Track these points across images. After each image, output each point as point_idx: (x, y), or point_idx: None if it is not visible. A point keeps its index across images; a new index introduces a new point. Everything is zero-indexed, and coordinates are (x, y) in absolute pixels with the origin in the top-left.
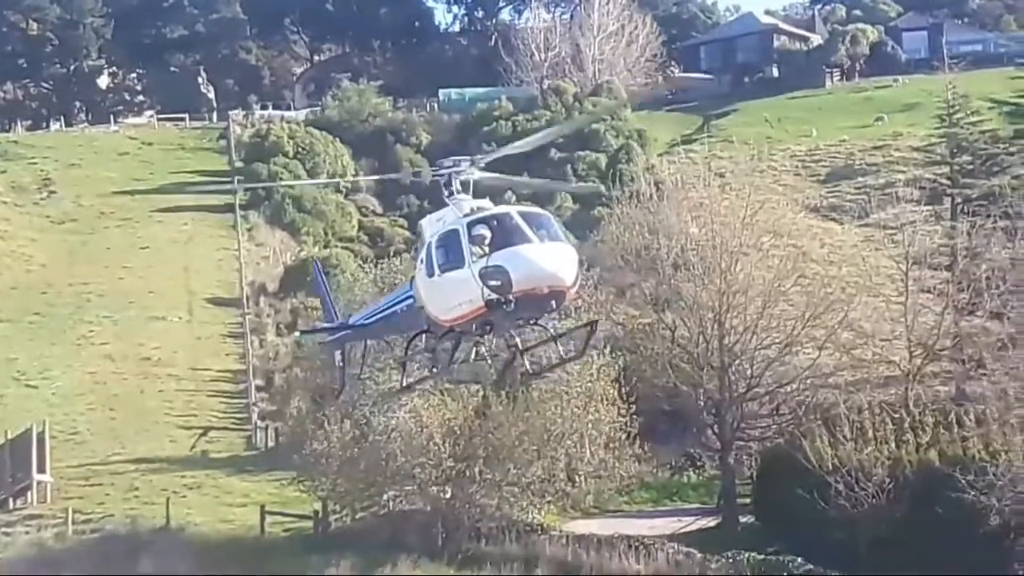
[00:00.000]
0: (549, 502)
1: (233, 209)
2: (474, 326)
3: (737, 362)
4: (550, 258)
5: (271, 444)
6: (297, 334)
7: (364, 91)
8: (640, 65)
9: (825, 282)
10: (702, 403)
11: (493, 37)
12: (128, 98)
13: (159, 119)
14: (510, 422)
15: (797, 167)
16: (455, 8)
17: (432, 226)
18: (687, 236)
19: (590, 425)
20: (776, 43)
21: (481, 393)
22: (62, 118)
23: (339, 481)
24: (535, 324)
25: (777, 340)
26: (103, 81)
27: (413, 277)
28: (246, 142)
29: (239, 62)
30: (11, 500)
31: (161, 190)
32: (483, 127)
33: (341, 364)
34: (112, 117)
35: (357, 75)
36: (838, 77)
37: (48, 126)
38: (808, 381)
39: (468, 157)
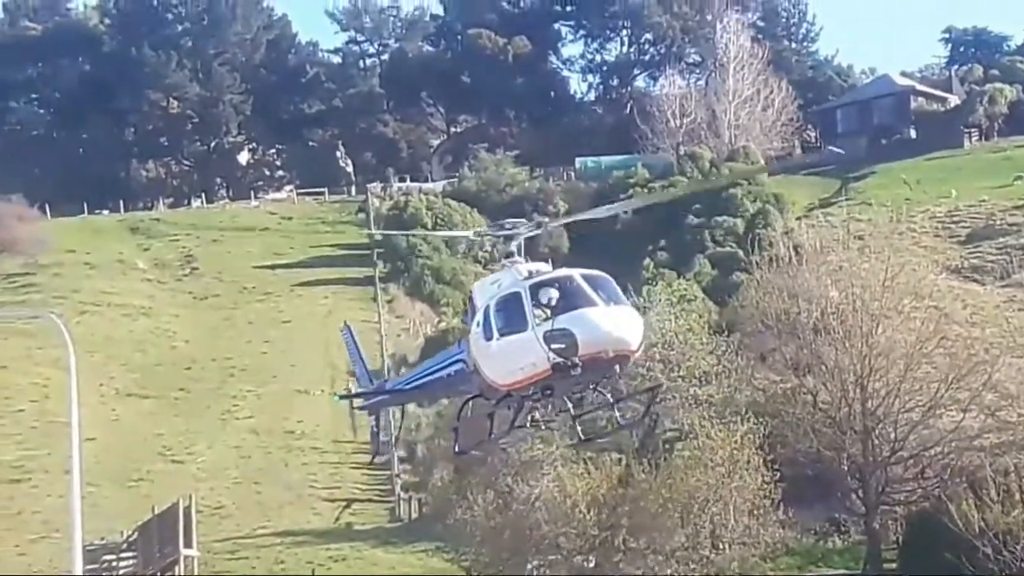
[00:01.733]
0: (694, 569)
1: (373, 282)
2: (532, 390)
3: (880, 426)
4: (616, 322)
5: (414, 515)
6: (335, 398)
7: (501, 161)
8: (776, 129)
9: (968, 344)
10: (845, 467)
11: (628, 105)
12: (268, 173)
13: (299, 194)
14: (654, 490)
15: (937, 228)
16: (590, 77)
17: (486, 290)
18: (827, 300)
19: (734, 492)
20: (913, 104)
21: (624, 461)
22: (203, 195)
23: (483, 551)
24: (595, 388)
25: (920, 403)
26: (243, 157)
27: (461, 340)
28: (385, 214)
29: (377, 135)
30: (159, 575)
31: (302, 264)
32: (620, 195)
33: (375, 430)
34: (252, 193)
35: (494, 146)
36: (976, 137)
37: (190, 203)
38: (953, 444)
39: (529, 221)
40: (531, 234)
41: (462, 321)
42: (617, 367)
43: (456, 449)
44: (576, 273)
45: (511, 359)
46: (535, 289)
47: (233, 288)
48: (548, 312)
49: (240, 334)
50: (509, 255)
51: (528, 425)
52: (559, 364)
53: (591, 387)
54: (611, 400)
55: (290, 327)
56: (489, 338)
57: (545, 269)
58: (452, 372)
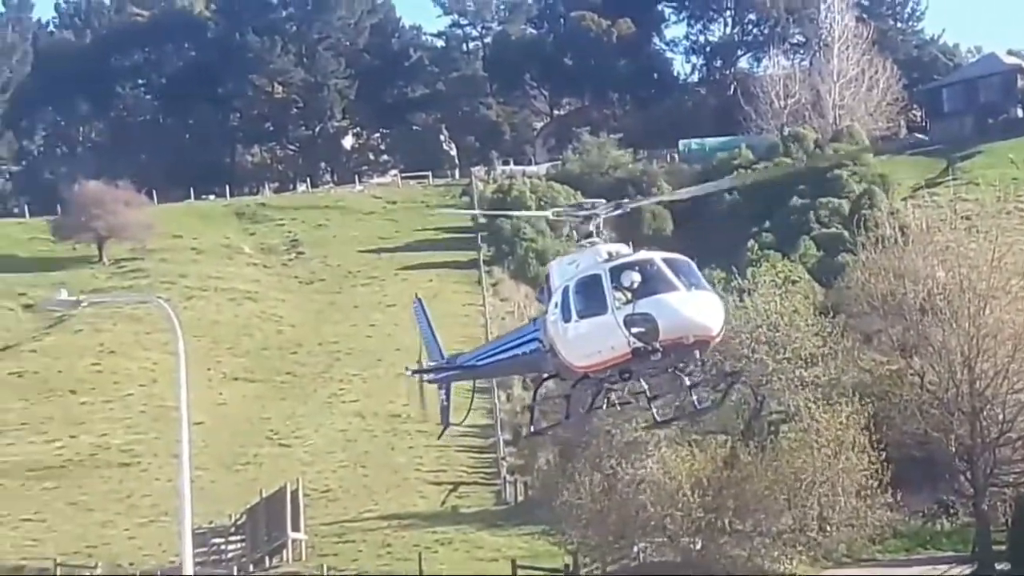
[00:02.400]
0: (800, 552)
1: (477, 265)
2: (609, 373)
3: (988, 407)
4: (698, 307)
5: (520, 498)
6: (407, 371)
7: (604, 144)
8: (881, 109)
9: None
10: (953, 449)
11: (732, 86)
12: (372, 157)
13: (403, 177)
14: (759, 472)
15: None
16: (693, 58)
17: (564, 269)
18: (934, 280)
19: (841, 473)
20: (1020, 83)
21: (729, 443)
22: (308, 179)
23: (589, 533)
24: (674, 371)
25: None
26: (347, 142)
27: (536, 319)
28: (488, 197)
29: (480, 119)
30: (267, 558)
31: (406, 248)
32: (723, 176)
33: (446, 404)
34: (357, 177)
35: (597, 128)
36: None
37: (295, 188)
38: None
39: (612, 202)
40: (610, 214)
41: (537, 299)
42: (697, 352)
43: (532, 430)
44: (657, 256)
45: (590, 341)
46: (616, 272)
47: (338, 272)
48: (629, 295)
49: (345, 318)
50: (587, 235)
51: (605, 407)
52: (639, 349)
53: (671, 370)
54: (688, 384)
55: (395, 311)
56: (568, 319)
57: (625, 251)
58: (527, 351)
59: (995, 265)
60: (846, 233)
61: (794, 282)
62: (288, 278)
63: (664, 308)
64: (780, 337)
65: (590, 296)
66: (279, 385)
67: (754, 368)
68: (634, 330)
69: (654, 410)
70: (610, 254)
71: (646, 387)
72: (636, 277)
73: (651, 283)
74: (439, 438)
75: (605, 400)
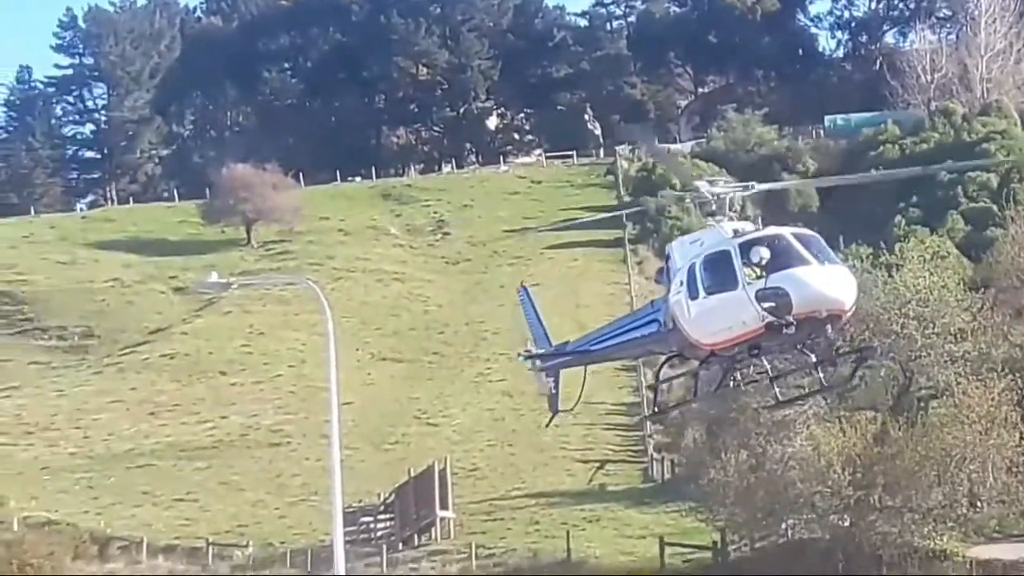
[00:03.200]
0: (951, 528)
1: (623, 243)
2: (737, 350)
3: None
4: (831, 281)
5: (667, 476)
6: (519, 357)
7: (749, 120)
8: None
9: None
10: None
11: (878, 61)
12: (516, 138)
13: (547, 157)
14: (909, 448)
15: None
16: (839, 33)
17: (687, 249)
18: None
19: (992, 449)
20: None
21: (879, 419)
22: (453, 160)
23: (737, 511)
24: (802, 350)
25: None
26: (492, 122)
27: (653, 300)
28: (633, 176)
29: (624, 97)
30: (416, 536)
31: (551, 227)
32: (870, 152)
33: (554, 391)
34: (501, 157)
35: (741, 105)
36: None
37: (440, 168)
38: None
39: (739, 183)
40: (740, 194)
41: (656, 281)
42: (829, 327)
43: (655, 410)
44: (786, 231)
45: (719, 317)
46: (746, 247)
47: (484, 252)
48: (759, 271)
49: (491, 298)
50: (712, 214)
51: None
52: (772, 323)
53: (799, 348)
54: (814, 361)
55: (540, 289)
56: (695, 296)
57: (750, 228)
58: (646, 332)
59: None
60: (995, 207)
61: (943, 257)
62: (434, 258)
63: (797, 282)
64: (929, 312)
65: (719, 272)
66: (426, 365)
67: (903, 344)
68: (766, 305)
69: (777, 390)
70: (736, 231)
71: (768, 367)
72: (766, 252)
73: (782, 258)
74: (546, 426)
75: (732, 379)
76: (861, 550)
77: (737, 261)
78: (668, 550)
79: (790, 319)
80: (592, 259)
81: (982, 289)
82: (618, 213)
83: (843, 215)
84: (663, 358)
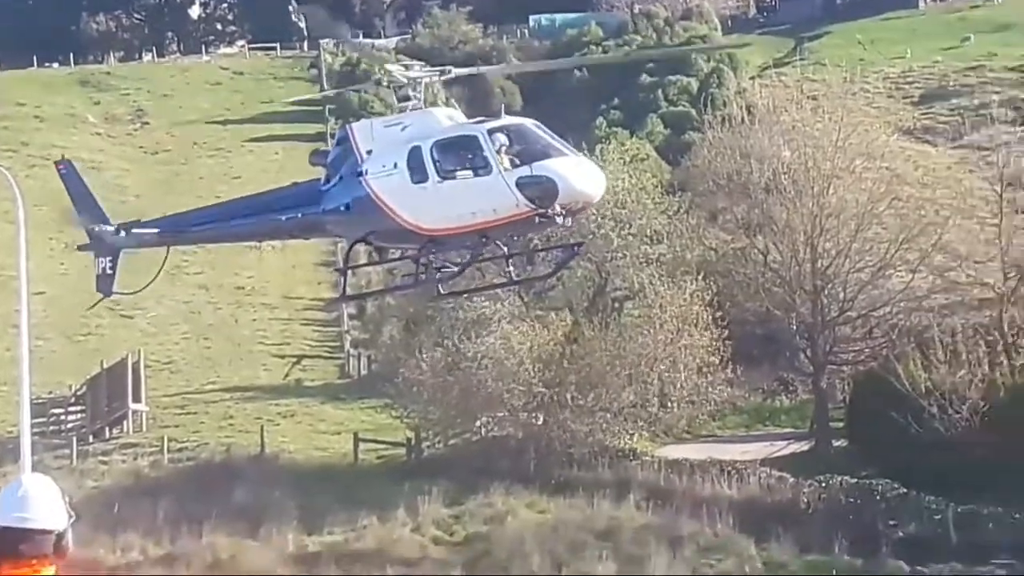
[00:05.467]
0: (641, 427)
1: (324, 138)
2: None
3: (830, 286)
4: (590, 173)
5: (364, 372)
6: (77, 249)
7: (454, 18)
8: None
9: (919, 205)
10: (794, 327)
11: None
12: (220, 28)
13: (250, 49)
14: (601, 348)
15: (890, 89)
16: None
17: (384, 131)
18: (779, 160)
19: (683, 350)
20: None
21: (571, 319)
22: (154, 49)
23: (431, 408)
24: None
25: (870, 263)
26: (195, 11)
27: (322, 179)
28: (337, 71)
29: None
30: (107, 429)
31: (253, 120)
32: (573, 53)
33: (111, 272)
34: (204, 47)
35: (447, 2)
36: None
37: (140, 57)
38: (901, 304)
39: (437, 68)
40: (436, 79)
41: (311, 162)
42: (569, 220)
43: (345, 293)
44: (529, 122)
45: (461, 203)
46: (495, 133)
47: (184, 143)
48: (511, 159)
49: (191, 189)
50: (406, 99)
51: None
52: (542, 212)
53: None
54: (505, 254)
55: (240, 183)
56: (420, 180)
57: (459, 116)
58: (319, 211)
59: (840, 145)
60: (694, 111)
61: (642, 159)
62: (133, 148)
63: (562, 173)
64: (626, 214)
65: (464, 157)
66: (121, 256)
67: (600, 244)
68: (527, 192)
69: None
70: (450, 117)
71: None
72: (516, 141)
73: (538, 148)
74: (88, 309)
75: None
76: (553, 448)
77: (488, 146)
78: (362, 446)
79: (558, 208)
80: (293, 153)
81: (679, 192)
82: (318, 107)
83: (545, 115)
84: (349, 243)
